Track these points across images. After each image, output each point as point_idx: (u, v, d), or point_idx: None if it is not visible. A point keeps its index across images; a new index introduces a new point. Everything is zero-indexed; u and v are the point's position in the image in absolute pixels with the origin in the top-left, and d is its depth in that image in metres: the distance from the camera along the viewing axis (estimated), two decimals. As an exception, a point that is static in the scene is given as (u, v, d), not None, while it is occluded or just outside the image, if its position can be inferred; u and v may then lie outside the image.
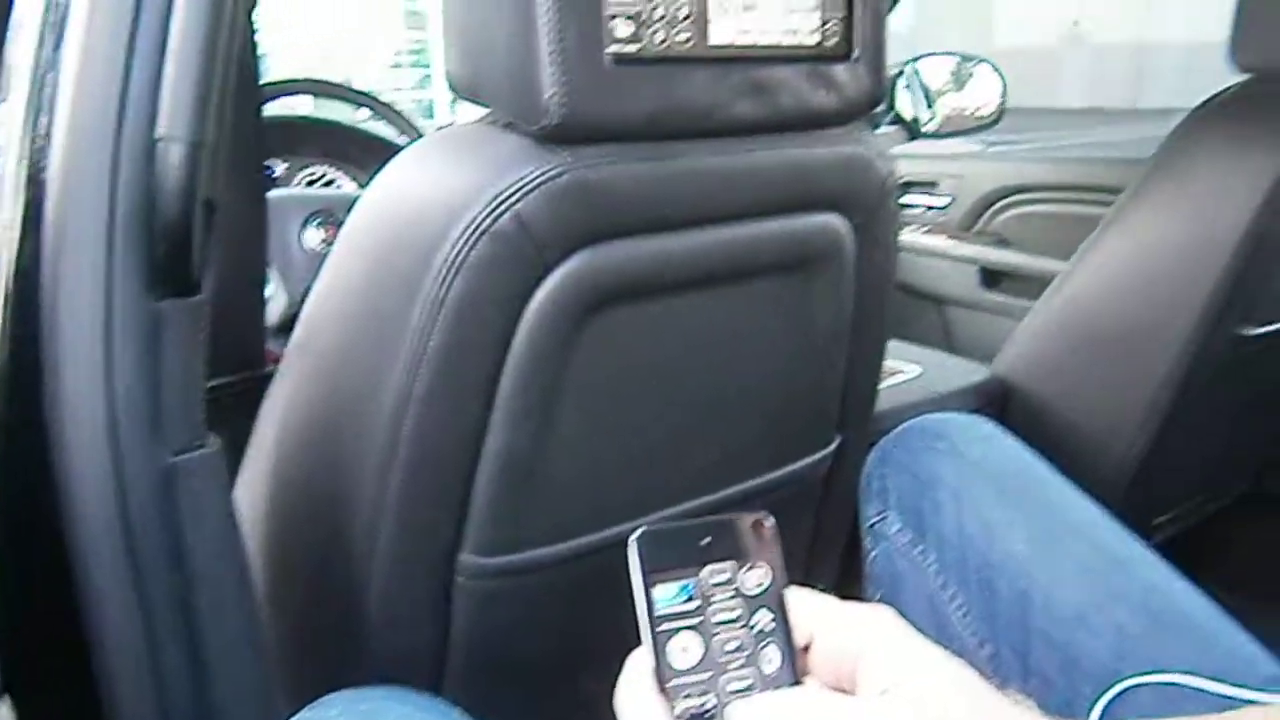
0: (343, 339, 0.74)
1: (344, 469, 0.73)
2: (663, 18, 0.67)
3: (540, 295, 0.68)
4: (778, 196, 0.78)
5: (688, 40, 0.68)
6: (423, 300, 0.66)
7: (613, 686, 0.43)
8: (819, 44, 0.74)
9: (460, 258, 0.65)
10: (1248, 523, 1.70)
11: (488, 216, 0.64)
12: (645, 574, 0.44)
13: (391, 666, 0.77)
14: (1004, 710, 0.42)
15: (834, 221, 0.81)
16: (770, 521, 0.46)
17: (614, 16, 0.64)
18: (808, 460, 0.93)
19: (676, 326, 0.78)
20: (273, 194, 1.35)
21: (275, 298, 1.28)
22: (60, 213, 0.55)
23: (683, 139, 0.71)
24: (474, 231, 0.64)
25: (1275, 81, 1.23)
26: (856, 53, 0.76)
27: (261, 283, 0.97)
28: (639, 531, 0.44)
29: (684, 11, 0.67)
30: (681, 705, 0.42)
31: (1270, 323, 1.32)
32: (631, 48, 0.66)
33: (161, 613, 0.60)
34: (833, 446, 0.95)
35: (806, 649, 0.44)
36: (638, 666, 0.42)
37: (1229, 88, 1.30)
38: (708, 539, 0.45)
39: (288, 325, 1.28)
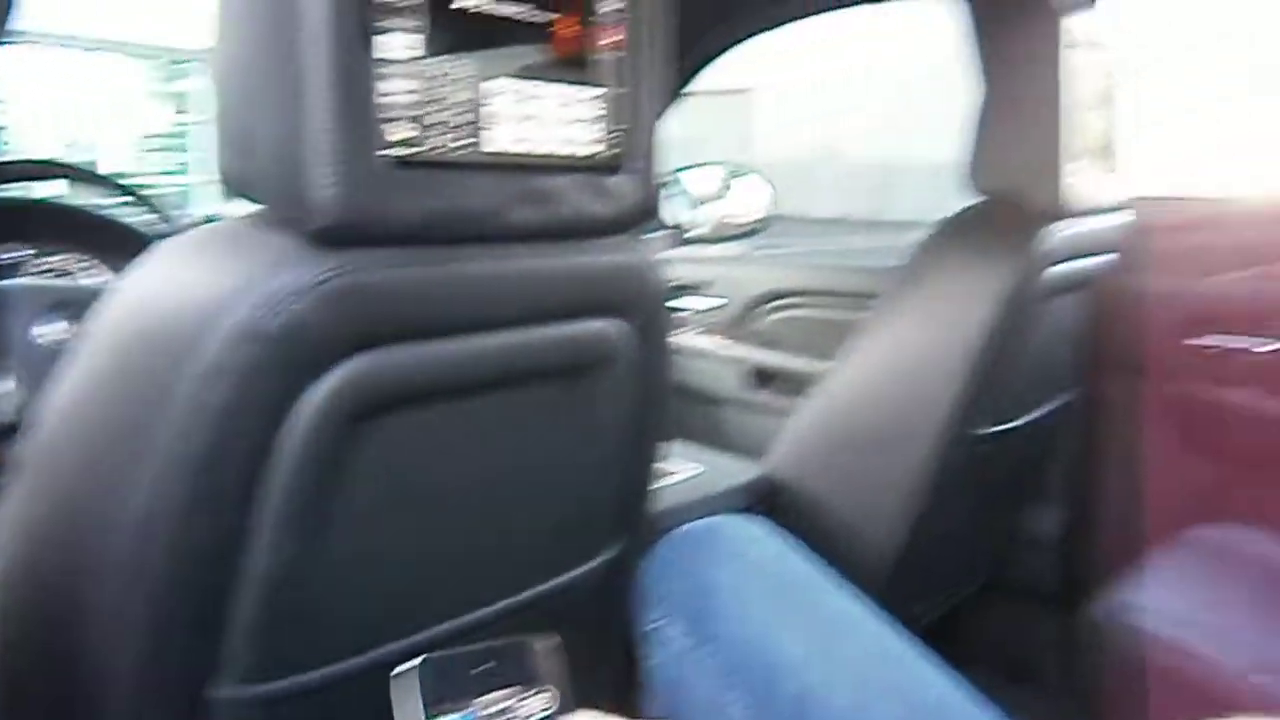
0: (85, 447, 0.67)
1: (83, 589, 0.66)
2: (441, 122, 0.66)
3: (308, 404, 0.64)
4: (554, 303, 0.78)
5: (465, 146, 0.67)
6: (177, 407, 0.61)
7: None
8: (595, 155, 0.76)
9: (221, 363, 0.60)
10: (993, 608, 1.82)
11: (253, 319, 0.61)
12: (426, 706, 0.41)
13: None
14: None
15: (611, 327, 0.82)
16: (553, 643, 0.44)
17: (390, 119, 0.63)
18: (586, 567, 0.92)
19: (453, 434, 0.75)
20: (7, 283, 1.24)
21: (6, 394, 1.16)
22: None
23: (459, 244, 0.70)
24: (237, 335, 0.60)
25: (1005, 204, 1.37)
26: (630, 164, 0.78)
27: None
28: (412, 664, 0.42)
29: (462, 118, 0.67)
30: None
31: (1006, 422, 1.44)
32: (408, 151, 0.64)
33: None
34: (612, 553, 0.94)
35: None
36: None
37: (969, 207, 1.43)
38: (488, 665, 0.43)
39: (15, 426, 1.16)
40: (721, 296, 2.13)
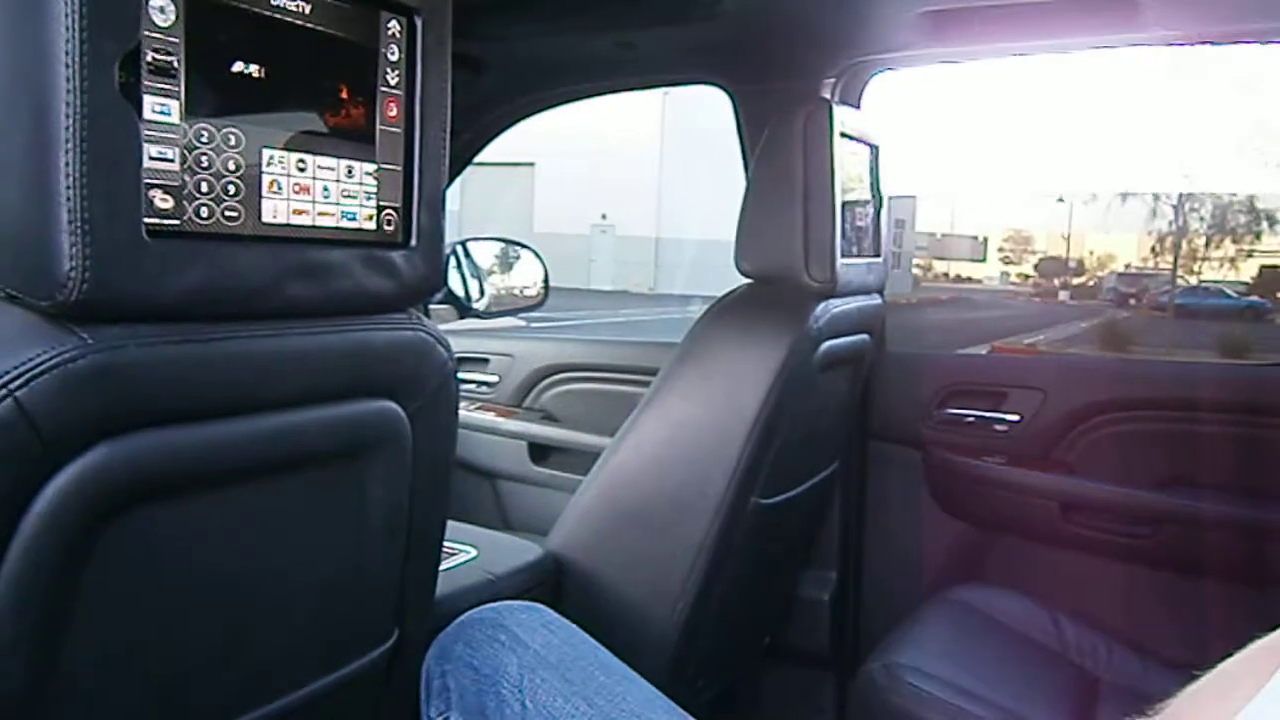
0: None
1: None
2: (209, 191, 0.62)
3: (46, 497, 0.58)
4: (331, 383, 0.74)
5: (237, 217, 0.64)
6: None
7: None
8: (374, 229, 0.73)
9: None
10: (773, 674, 1.86)
11: None
12: None
13: None
14: None
15: (390, 407, 0.79)
16: None
17: (151, 186, 0.59)
18: (364, 659, 0.86)
19: (217, 523, 0.70)
20: None
21: None
22: None
23: (228, 320, 0.65)
24: None
25: (774, 283, 1.43)
26: (414, 240, 0.76)
27: None
28: None
29: (233, 187, 0.63)
30: None
31: (782, 493, 1.49)
32: (171, 221, 0.60)
33: None
34: (390, 642, 0.89)
35: None
36: None
37: (742, 285, 1.49)
38: None
39: None
40: (501, 371, 2.12)
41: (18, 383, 0.55)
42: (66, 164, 0.55)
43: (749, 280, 1.47)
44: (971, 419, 1.77)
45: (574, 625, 0.85)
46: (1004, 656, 1.46)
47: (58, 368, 0.56)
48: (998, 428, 1.75)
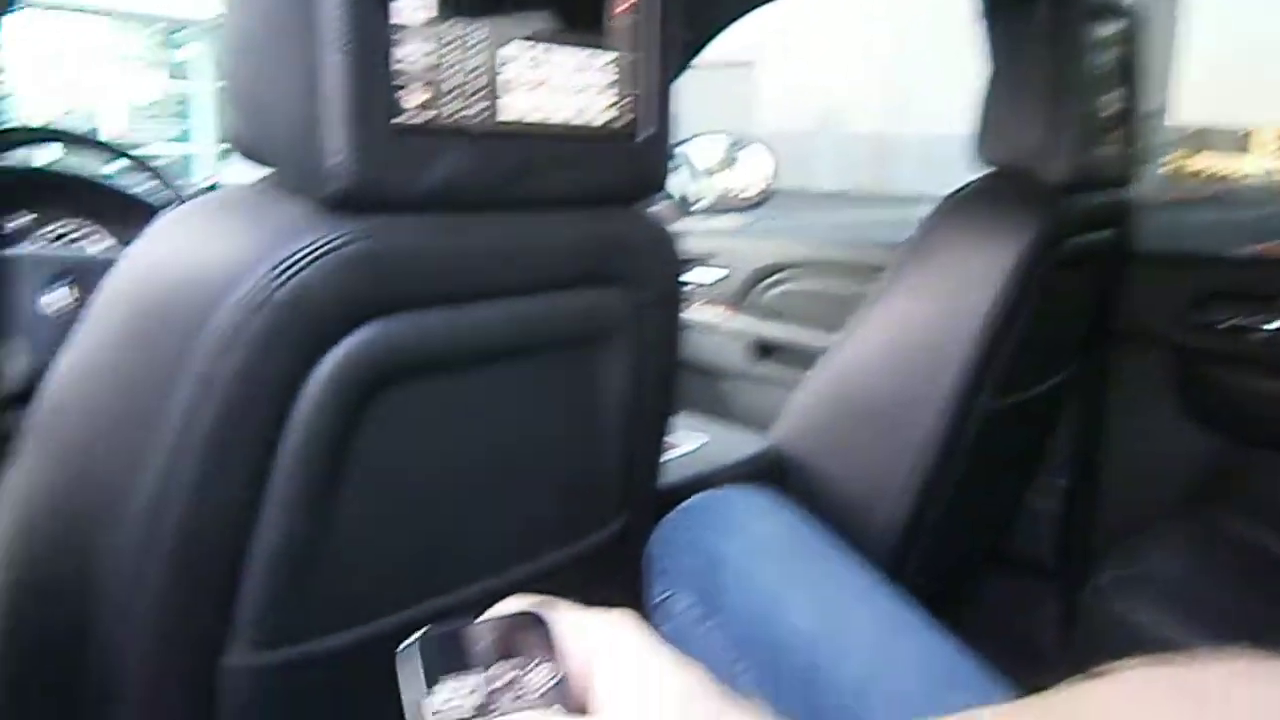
0: (93, 421, 0.66)
1: (94, 562, 0.65)
2: (456, 88, 0.65)
3: (321, 372, 0.64)
4: (566, 271, 0.77)
5: (480, 113, 0.67)
6: (189, 378, 0.61)
7: None
8: (608, 123, 0.75)
9: (233, 332, 0.60)
10: (995, 581, 1.83)
11: (265, 287, 0.60)
12: (426, 680, 0.41)
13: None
14: (720, 712, 0.42)
15: (622, 297, 0.82)
16: (541, 618, 0.44)
17: (405, 84, 0.63)
18: (595, 538, 0.91)
19: (463, 404, 0.75)
20: (11, 251, 1.23)
21: (15, 364, 1.16)
22: None
23: (471, 211, 0.70)
24: (249, 303, 0.60)
25: (1012, 176, 1.36)
26: (643, 133, 0.77)
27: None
28: (415, 637, 0.42)
29: (477, 84, 0.66)
30: None
31: (1012, 395, 1.44)
32: (423, 117, 0.64)
33: None
34: (619, 524, 0.94)
35: None
36: None
37: (978, 180, 1.42)
38: (490, 639, 0.43)
39: (25, 395, 1.16)
40: (724, 269, 2.13)
41: (296, 267, 0.61)
42: (332, 67, 0.60)
43: (986, 173, 1.41)
44: (1231, 325, 1.64)
45: (796, 511, 0.86)
46: (1249, 581, 1.37)
47: (329, 254, 0.62)
48: (1262, 336, 1.61)
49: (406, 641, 0.41)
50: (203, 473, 0.62)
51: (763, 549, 0.81)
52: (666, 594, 0.83)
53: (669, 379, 0.92)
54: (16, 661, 0.71)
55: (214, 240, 0.65)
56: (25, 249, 1.37)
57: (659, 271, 0.84)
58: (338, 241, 0.62)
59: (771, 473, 1.41)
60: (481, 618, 0.44)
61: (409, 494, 0.74)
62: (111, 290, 0.67)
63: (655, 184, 0.80)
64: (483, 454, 0.78)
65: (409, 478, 0.74)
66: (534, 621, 0.44)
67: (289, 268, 0.61)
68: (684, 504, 0.86)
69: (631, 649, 0.43)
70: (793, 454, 1.45)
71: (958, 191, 1.44)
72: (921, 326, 1.37)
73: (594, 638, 0.44)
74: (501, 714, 0.42)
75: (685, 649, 0.81)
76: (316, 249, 0.61)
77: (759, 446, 1.44)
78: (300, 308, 0.61)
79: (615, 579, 0.98)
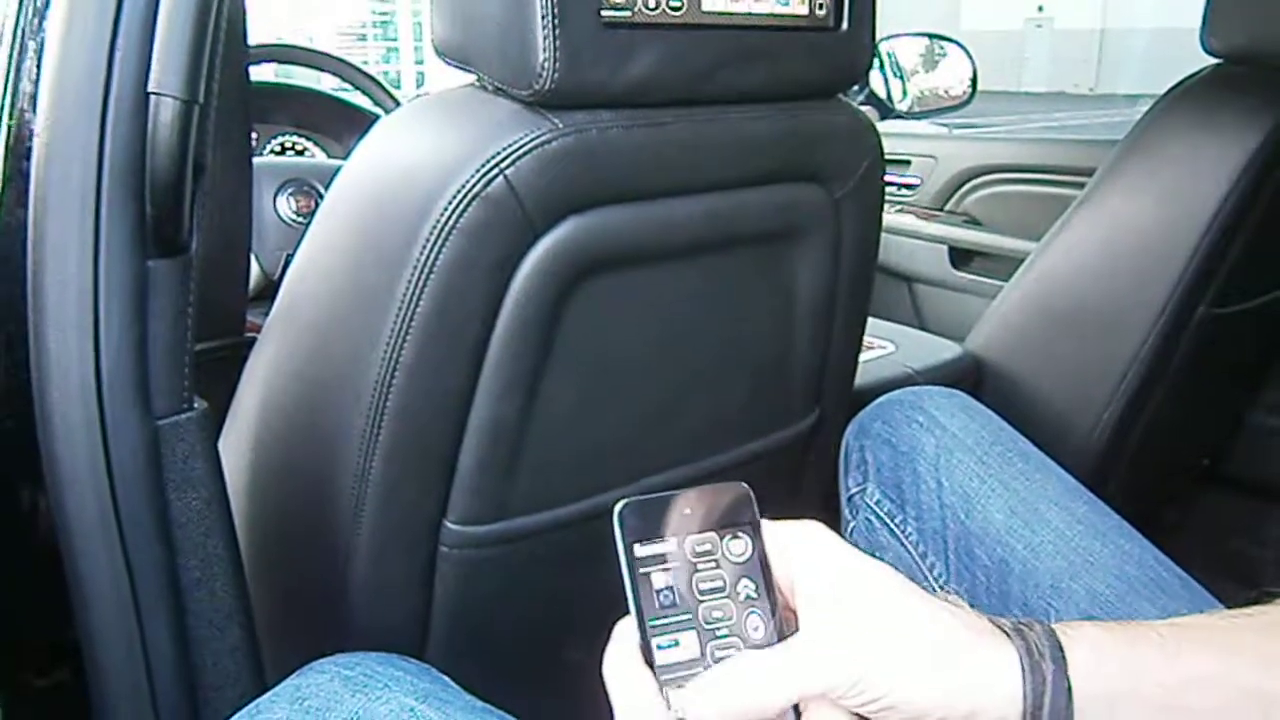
0: (327, 309, 0.73)
1: (327, 439, 0.72)
2: (657, -17, 0.66)
3: (529, 262, 0.68)
4: (764, 166, 0.78)
5: (680, 7, 0.68)
6: (410, 267, 0.66)
7: (598, 656, 0.44)
8: (809, 14, 0.74)
9: (450, 223, 0.64)
10: (1209, 501, 1.74)
11: (479, 181, 0.64)
12: (629, 545, 0.44)
13: (376, 636, 0.76)
14: (922, 606, 0.43)
15: (819, 192, 0.82)
16: (749, 491, 0.46)
17: (609, -20, 0.64)
18: (787, 431, 0.93)
19: (662, 296, 0.78)
20: (244, 162, 1.33)
21: (249, 269, 1.27)
22: (46, 170, 0.54)
23: (672, 106, 0.71)
24: (464, 196, 0.64)
25: (1246, 65, 1.25)
26: (845, 24, 0.76)
27: (246, 247, 0.96)
28: (622, 502, 0.45)
29: (677, -22, 0.67)
30: (661, 643, 0.43)
31: (1237, 303, 1.35)
32: (625, 13, 0.65)
33: (148, 583, 0.59)
34: (812, 419, 0.96)
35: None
36: (624, 637, 0.43)
37: (1201, 70, 1.32)
38: (690, 509, 0.45)
39: (261, 294, 1.27)
40: (921, 174, 2.06)
41: (506, 162, 0.64)
42: None
43: (1217, 61, 1.30)
44: None
45: (993, 413, 0.85)
46: None
47: (536, 149, 0.65)
48: None
49: (623, 501, 0.44)
50: (421, 356, 0.67)
51: (960, 445, 0.80)
52: (860, 487, 0.84)
53: (866, 275, 0.92)
54: (264, 530, 0.80)
55: (430, 140, 0.70)
56: (259, 158, 1.49)
57: (858, 165, 0.83)
58: (544, 137, 0.65)
59: (967, 379, 1.38)
60: (682, 490, 0.46)
61: (609, 382, 0.78)
62: (339, 189, 0.73)
63: (856, 75, 0.79)
64: (680, 346, 0.81)
65: (609, 367, 0.77)
66: (740, 494, 0.46)
67: (499, 163, 0.64)
68: (882, 399, 0.86)
69: (827, 546, 0.45)
70: (990, 361, 1.41)
71: (1183, 82, 1.33)
72: (1137, 228, 1.30)
73: (790, 532, 0.46)
74: (701, 577, 0.45)
75: (875, 541, 0.83)
76: (524, 145, 0.65)
77: (954, 353, 1.41)
78: (510, 200, 0.65)
79: (808, 472, 1.00)
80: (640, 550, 0.44)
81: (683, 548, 0.45)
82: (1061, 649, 0.43)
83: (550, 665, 0.82)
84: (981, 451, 0.80)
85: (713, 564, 0.45)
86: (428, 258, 0.65)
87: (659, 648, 0.43)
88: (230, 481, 0.76)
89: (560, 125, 0.66)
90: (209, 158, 0.57)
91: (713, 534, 0.46)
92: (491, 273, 0.67)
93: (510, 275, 0.68)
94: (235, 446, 0.80)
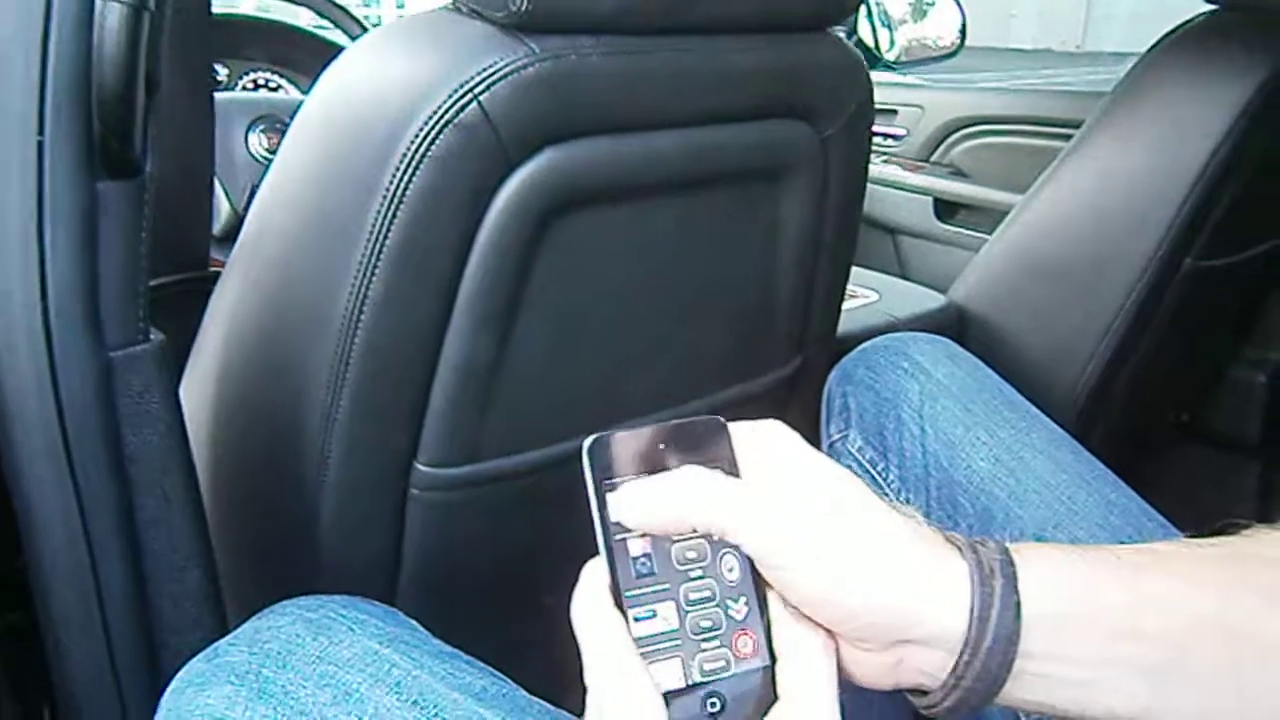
0: (293, 239, 0.70)
1: (293, 377, 0.70)
2: (639, -98, 0.63)
3: (504, 193, 0.65)
4: (750, 100, 0.75)
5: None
6: (380, 196, 0.63)
7: (569, 600, 0.42)
8: (798, -59, 0.71)
9: (421, 150, 0.61)
10: (1188, 454, 1.74)
11: (451, 106, 0.61)
12: (598, 482, 0.42)
13: (345, 579, 0.74)
14: (877, 509, 0.42)
15: (807, 130, 0.79)
16: (725, 424, 0.44)
17: (587, -102, 0.61)
18: (769, 377, 0.91)
19: (641, 233, 0.75)
20: (218, 97, 1.29)
21: (219, 206, 1.23)
22: (-15, 82, 0.51)
23: (654, 34, 0.68)
24: (436, 121, 0.61)
25: (1240, 10, 1.23)
26: None
27: (208, 180, 0.93)
28: (592, 438, 0.42)
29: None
30: (638, 615, 0.41)
31: (1223, 256, 1.33)
32: (605, -67, 0.62)
33: (100, 520, 0.57)
34: (794, 364, 0.94)
35: None
36: (593, 578, 0.41)
37: (1194, 18, 1.29)
38: (662, 444, 0.43)
39: (231, 234, 1.23)
40: (906, 125, 2.03)
41: (481, 87, 0.61)
42: None
43: (1211, 8, 1.27)
44: None
45: (978, 360, 0.83)
46: None
47: (512, 74, 0.62)
48: None
49: (590, 438, 0.42)
50: (391, 289, 0.64)
51: (944, 391, 0.78)
52: (842, 433, 0.83)
53: (853, 216, 0.90)
54: (228, 470, 0.77)
55: (401, 63, 0.66)
56: (230, 94, 1.44)
57: (848, 103, 0.80)
58: (520, 62, 0.62)
59: (951, 329, 1.36)
60: (652, 425, 0.44)
61: (585, 322, 0.76)
62: (306, 115, 0.69)
63: (847, 6, 0.76)
64: (659, 286, 0.79)
65: (585, 306, 0.75)
66: (715, 426, 0.44)
67: (473, 89, 0.61)
68: (866, 344, 0.84)
69: (789, 441, 0.43)
70: (974, 311, 1.39)
71: (1175, 30, 1.31)
72: (1125, 179, 1.28)
73: (753, 431, 0.44)
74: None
75: (857, 489, 0.82)
76: (499, 70, 0.62)
77: (938, 303, 1.39)
78: (484, 127, 0.62)
79: (789, 418, 0.98)
80: (609, 488, 0.42)
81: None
82: (1014, 565, 0.41)
83: (523, 610, 0.80)
84: (967, 399, 0.79)
85: None
86: (398, 186, 0.62)
87: (635, 619, 0.41)
88: (192, 421, 0.73)
89: (537, 50, 0.62)
90: (161, 72, 0.54)
91: (691, 462, 0.44)
92: (465, 203, 0.64)
93: (484, 207, 0.65)
94: (198, 385, 0.77)
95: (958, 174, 1.95)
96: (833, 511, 0.41)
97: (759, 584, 0.42)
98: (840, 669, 0.41)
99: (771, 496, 0.41)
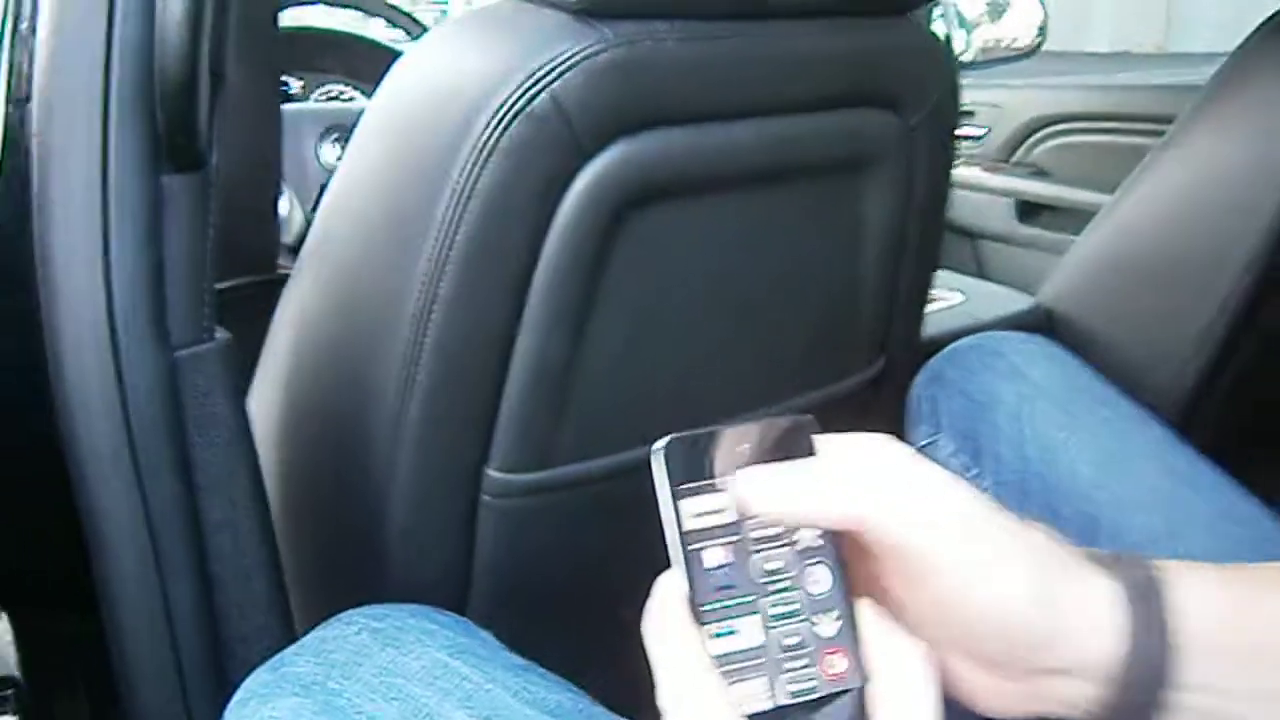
0: (361, 238, 0.68)
1: (362, 379, 0.68)
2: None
3: (577, 187, 0.63)
4: (833, 88, 0.72)
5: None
6: (449, 191, 0.61)
7: None
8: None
9: (491, 142, 0.59)
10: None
11: (521, 96, 0.59)
12: (673, 486, 0.38)
13: (414, 590, 0.72)
14: (1014, 521, 0.37)
15: (892, 120, 0.75)
16: (814, 423, 0.40)
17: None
18: (850, 381, 0.87)
19: (718, 229, 0.72)
20: (289, 108, 1.30)
21: (291, 215, 1.23)
22: (49, 76, 0.50)
23: (730, 19, 0.65)
24: (506, 113, 0.59)
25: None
26: None
27: (275, 181, 0.92)
28: (665, 439, 0.39)
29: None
30: (717, 631, 0.37)
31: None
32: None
33: (167, 526, 0.55)
34: (876, 368, 0.89)
35: None
36: (668, 590, 0.37)
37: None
38: (743, 445, 0.39)
39: (302, 243, 1.23)
40: (986, 125, 1.98)
41: (552, 76, 0.59)
42: None
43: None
44: None
45: (1077, 360, 0.79)
46: None
47: (584, 61, 0.59)
48: None
49: (663, 440, 0.39)
50: (461, 288, 0.62)
51: (1043, 393, 0.74)
52: (930, 439, 0.78)
53: (939, 212, 0.86)
54: (296, 477, 0.76)
55: (470, 55, 0.64)
56: (302, 105, 1.45)
57: (933, 90, 0.76)
58: (593, 49, 0.59)
59: (1039, 333, 1.30)
60: (734, 423, 0.40)
61: (660, 322, 0.73)
62: (374, 112, 0.68)
63: None
64: (737, 283, 0.75)
65: (660, 305, 0.72)
66: (805, 426, 0.40)
67: (544, 78, 0.59)
68: (954, 345, 0.80)
69: (914, 466, 0.38)
70: (1063, 314, 1.33)
71: (1274, 17, 1.24)
72: (1225, 171, 1.21)
73: (860, 451, 0.39)
74: (756, 522, 0.39)
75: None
76: (571, 57, 0.59)
77: (1025, 304, 1.33)
78: (555, 118, 0.59)
79: (871, 425, 0.93)
80: (684, 493, 0.39)
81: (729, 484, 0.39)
82: (1163, 585, 0.36)
83: (599, 623, 0.77)
84: (1066, 400, 0.74)
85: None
86: (468, 180, 0.60)
87: (714, 635, 0.37)
88: (261, 427, 0.72)
89: (611, 36, 0.60)
90: (225, 66, 0.52)
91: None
92: (536, 197, 0.62)
93: (557, 201, 0.62)
94: (268, 390, 0.76)
95: (1040, 174, 1.89)
96: (969, 514, 0.36)
97: (849, 597, 0.39)
98: (965, 696, 0.37)
99: (912, 484, 0.37)
